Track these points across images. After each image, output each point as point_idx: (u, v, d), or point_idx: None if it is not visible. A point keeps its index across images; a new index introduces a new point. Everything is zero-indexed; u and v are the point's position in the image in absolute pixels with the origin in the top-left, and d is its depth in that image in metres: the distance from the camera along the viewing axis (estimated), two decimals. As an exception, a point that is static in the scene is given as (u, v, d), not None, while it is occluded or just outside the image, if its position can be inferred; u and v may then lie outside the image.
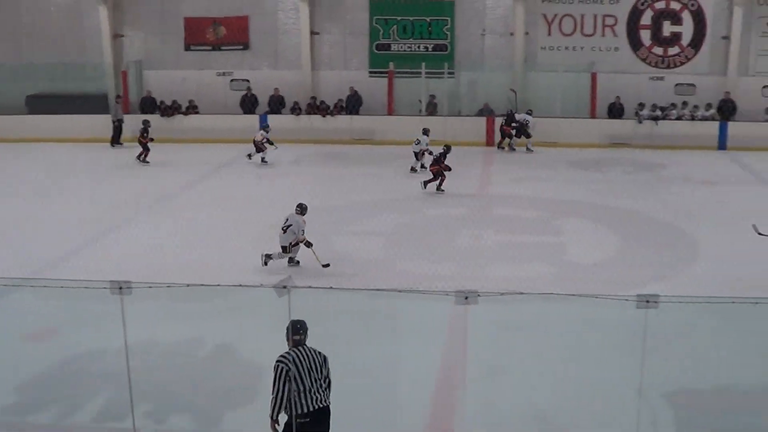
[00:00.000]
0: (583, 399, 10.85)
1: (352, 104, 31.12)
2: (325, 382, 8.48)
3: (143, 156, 26.54)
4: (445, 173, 22.15)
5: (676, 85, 30.94)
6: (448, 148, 22.77)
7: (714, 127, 29.39)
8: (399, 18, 31.56)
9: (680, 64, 31.13)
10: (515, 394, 11.05)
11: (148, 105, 31.31)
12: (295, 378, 8.28)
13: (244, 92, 31.66)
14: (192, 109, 31.21)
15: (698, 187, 23.21)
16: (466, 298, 8.58)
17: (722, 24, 30.84)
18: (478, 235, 18.38)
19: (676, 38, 31.04)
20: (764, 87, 30.83)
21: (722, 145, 29.07)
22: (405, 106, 31.10)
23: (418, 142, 24.94)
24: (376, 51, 31.79)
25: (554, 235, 18.65)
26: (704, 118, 29.76)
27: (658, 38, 31.04)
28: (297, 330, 8.49)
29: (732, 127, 29.31)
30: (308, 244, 15.83)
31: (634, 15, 30.94)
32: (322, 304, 11.44)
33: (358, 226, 19.25)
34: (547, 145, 28.67)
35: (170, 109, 31.05)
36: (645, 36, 31.09)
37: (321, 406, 8.37)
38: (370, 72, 31.90)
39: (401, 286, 13.77)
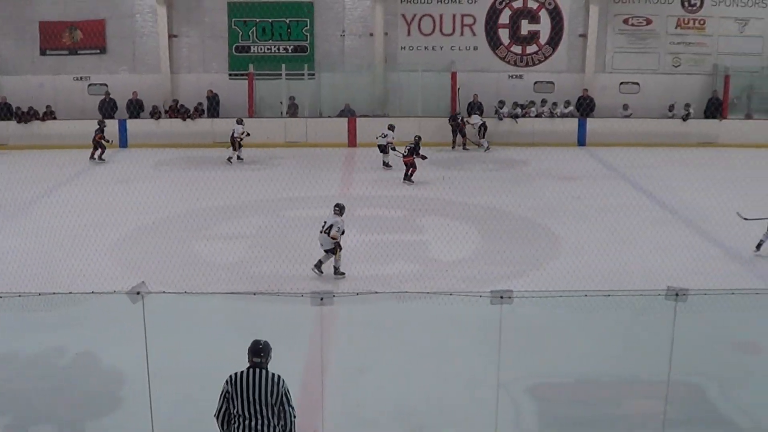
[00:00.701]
0: (447, 394, 10.80)
1: (212, 107, 30.56)
2: (273, 417, 7.78)
3: (99, 154, 27.06)
4: (416, 165, 23.66)
5: (535, 82, 31.44)
6: (419, 139, 24.43)
7: (573, 123, 29.94)
8: (258, 20, 31.17)
9: (539, 62, 31.61)
10: (380, 392, 11.01)
11: (4, 111, 30.10)
12: (233, 401, 7.79)
13: (102, 97, 30.73)
14: (49, 114, 30.19)
15: (558, 183, 23.50)
16: (321, 299, 8.43)
17: (579, 22, 31.45)
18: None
19: (534, 37, 31.50)
20: (621, 84, 31.57)
21: (581, 141, 29.64)
22: (266, 108, 30.75)
23: (384, 136, 25.74)
24: (235, 53, 31.33)
25: (416, 233, 18.62)
26: (564, 115, 30.27)
27: (516, 37, 31.45)
28: (256, 352, 7.95)
29: (591, 123, 29.94)
30: (338, 246, 15.69)
31: (493, 14, 31.27)
32: (180, 309, 11.11)
33: (219, 229, 18.90)
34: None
35: (27, 116, 29.96)
36: (504, 35, 31.45)
37: None
38: (230, 74, 31.43)
39: (262, 289, 13.55)
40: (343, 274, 15.77)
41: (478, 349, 8.57)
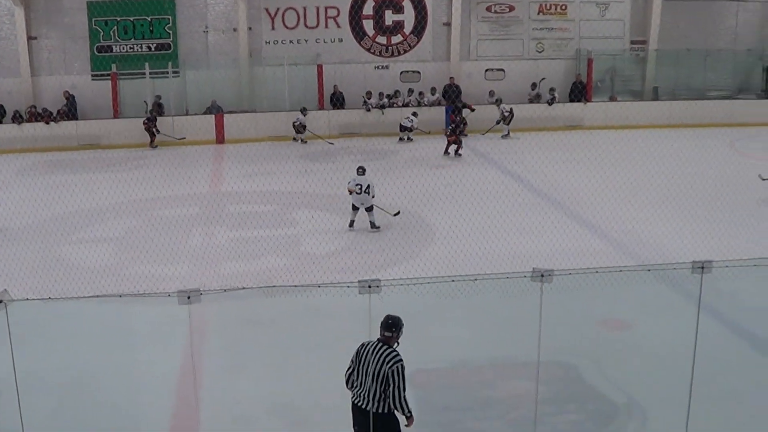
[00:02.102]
0: (323, 387, 10.69)
1: (70, 109, 29.68)
2: (379, 388, 8.24)
3: None
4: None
5: (402, 72, 31.56)
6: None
7: (440, 111, 30.11)
8: (119, 18, 30.43)
9: (404, 52, 31.72)
10: (257, 388, 10.90)
11: None
12: (355, 365, 8.47)
13: (-40, 103, 29.63)
14: None
15: (428, 170, 23.60)
16: (189, 297, 8.20)
17: (443, 11, 31.68)
18: (210, 233, 17.99)
19: (398, 27, 31.60)
20: (487, 70, 31.92)
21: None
22: (131, 108, 30.03)
23: (411, 120, 28.51)
24: (97, 53, 30.54)
25: (288, 227, 18.45)
26: (431, 104, 30.41)
27: (381, 28, 31.49)
28: (387, 326, 8.37)
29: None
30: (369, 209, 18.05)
31: (357, 6, 31.26)
32: (46, 316, 10.72)
33: (86, 233, 18.37)
34: (276, 139, 28.41)
35: None
36: (368, 26, 31.46)
37: (358, 404, 8.45)
38: (93, 75, 30.60)
39: (132, 290, 13.23)
40: (379, 227, 18.03)
41: (351, 340, 8.46)
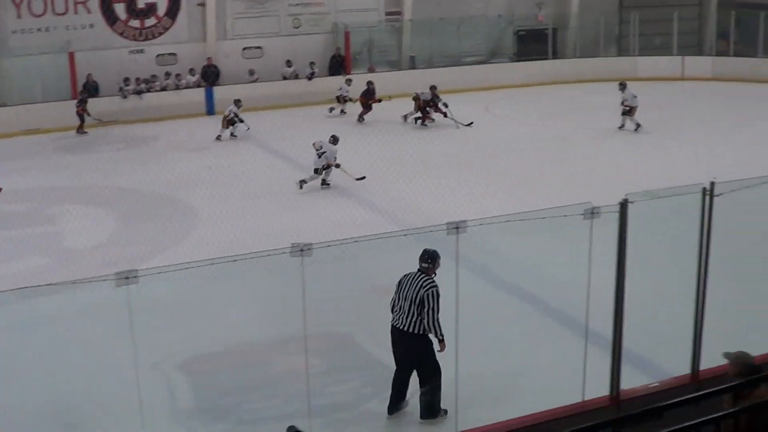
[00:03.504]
0: (98, 385, 10.45)
1: None
2: (416, 310, 9.12)
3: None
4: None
5: (158, 56, 30.74)
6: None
7: (200, 93, 29.67)
8: None
9: (159, 35, 30.94)
10: (31, 392, 10.44)
11: None
12: (396, 292, 9.43)
13: None
14: None
15: (190, 154, 23.20)
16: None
17: (197, -10, 31.07)
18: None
19: (151, 9, 30.74)
20: (244, 49, 31.63)
21: (210, 110, 29.40)
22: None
23: (346, 90, 28.61)
24: None
25: (48, 224, 17.71)
26: (189, 86, 29.92)
27: (133, 11, 30.49)
28: (424, 258, 9.29)
29: (218, 91, 29.73)
30: (338, 166, 19.42)
31: (106, -11, 30.18)
32: None
33: None
34: (30, 133, 27.13)
35: None
36: (120, 10, 30.34)
37: (397, 326, 9.35)
38: None
39: None
40: (329, 185, 19.57)
41: (119, 334, 8.22)
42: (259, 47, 31.88)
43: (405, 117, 26.51)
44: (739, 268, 13.19)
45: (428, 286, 9.15)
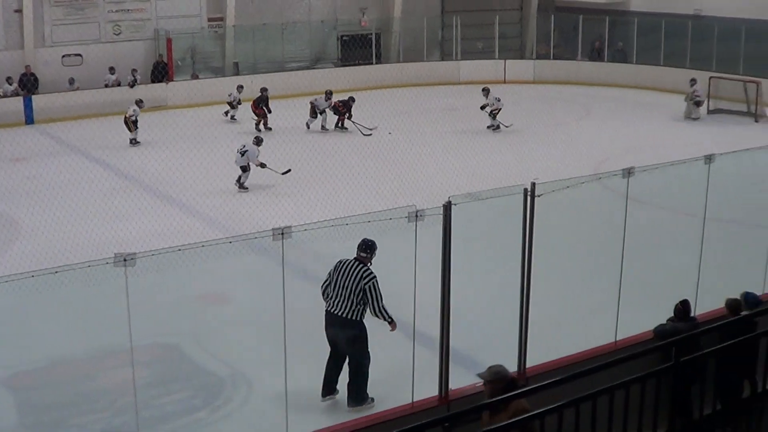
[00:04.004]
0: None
1: None
2: (355, 299, 9.75)
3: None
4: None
5: (-28, 65, 29.67)
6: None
7: (18, 102, 28.71)
8: None
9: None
10: None
11: None
12: (329, 277, 10.01)
13: None
14: None
15: (8, 165, 22.41)
16: None
17: (14, -3, 30.11)
18: None
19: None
20: (64, 56, 30.80)
21: (29, 119, 28.46)
22: None
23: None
24: None
25: None
26: (6, 95, 28.96)
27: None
28: (363, 248, 9.94)
29: (37, 100, 28.78)
30: (262, 166, 19.94)
31: None
32: None
33: None
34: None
35: None
36: (-71, 17, 29.19)
37: (333, 312, 9.91)
38: None
39: None
40: (247, 188, 19.90)
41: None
42: (78, 55, 31.09)
43: (308, 124, 26.77)
44: (561, 266, 13.78)
45: (368, 278, 9.78)
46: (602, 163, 21.21)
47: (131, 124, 24.95)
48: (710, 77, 29.57)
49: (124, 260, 7.46)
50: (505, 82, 34.11)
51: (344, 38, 35.79)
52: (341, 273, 9.88)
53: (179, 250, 7.82)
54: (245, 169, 19.94)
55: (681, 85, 30.46)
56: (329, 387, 10.17)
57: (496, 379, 6.90)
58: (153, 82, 31.07)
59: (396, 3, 36.00)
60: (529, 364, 9.36)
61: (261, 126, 26.38)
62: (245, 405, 9.66)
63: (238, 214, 17.52)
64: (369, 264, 9.91)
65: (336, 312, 9.89)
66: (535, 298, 9.31)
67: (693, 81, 28.77)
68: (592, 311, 12.21)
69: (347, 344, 10.00)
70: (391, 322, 9.94)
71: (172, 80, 31.16)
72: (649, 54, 34.38)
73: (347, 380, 10.11)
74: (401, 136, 24.39)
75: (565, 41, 37.19)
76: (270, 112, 26.56)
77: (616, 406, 6.09)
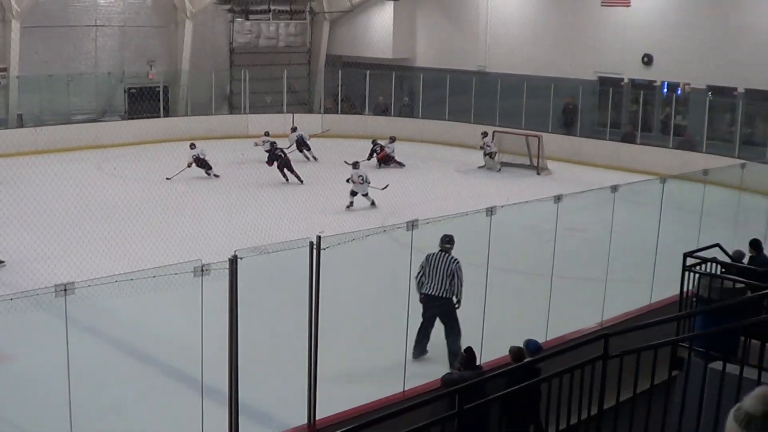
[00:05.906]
0: None
1: None
2: (447, 280, 12.66)
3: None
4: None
5: None
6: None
7: None
8: None
9: None
10: None
11: None
12: (422, 269, 12.73)
13: None
14: None
15: None
16: None
17: None
18: None
19: None
20: None
21: None
22: None
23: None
24: None
25: None
26: None
27: None
28: (446, 240, 12.82)
29: None
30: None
31: None
32: None
33: None
34: None
35: None
36: None
37: (429, 293, 12.74)
38: None
39: None
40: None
41: None
42: None
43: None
44: (351, 315, 14.00)
45: (457, 261, 12.75)
46: (389, 215, 21.72)
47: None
48: (494, 131, 30.81)
49: None
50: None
51: (131, 90, 35.32)
52: (432, 263, 12.67)
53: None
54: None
55: (466, 139, 31.66)
56: (421, 349, 12.80)
57: None
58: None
59: (184, 56, 35.90)
60: (319, 416, 9.44)
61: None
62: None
63: (15, 269, 16.90)
64: (451, 252, 12.78)
65: (431, 293, 12.64)
66: (323, 349, 9.41)
67: (484, 134, 30.20)
68: (382, 361, 12.47)
69: (444, 316, 12.73)
70: (459, 300, 12.73)
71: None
72: (434, 109, 35.54)
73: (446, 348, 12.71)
74: (187, 187, 24.21)
75: (353, 96, 37.93)
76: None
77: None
